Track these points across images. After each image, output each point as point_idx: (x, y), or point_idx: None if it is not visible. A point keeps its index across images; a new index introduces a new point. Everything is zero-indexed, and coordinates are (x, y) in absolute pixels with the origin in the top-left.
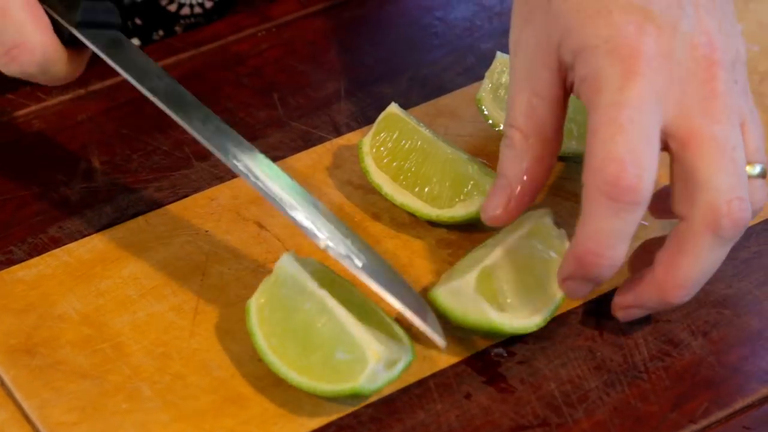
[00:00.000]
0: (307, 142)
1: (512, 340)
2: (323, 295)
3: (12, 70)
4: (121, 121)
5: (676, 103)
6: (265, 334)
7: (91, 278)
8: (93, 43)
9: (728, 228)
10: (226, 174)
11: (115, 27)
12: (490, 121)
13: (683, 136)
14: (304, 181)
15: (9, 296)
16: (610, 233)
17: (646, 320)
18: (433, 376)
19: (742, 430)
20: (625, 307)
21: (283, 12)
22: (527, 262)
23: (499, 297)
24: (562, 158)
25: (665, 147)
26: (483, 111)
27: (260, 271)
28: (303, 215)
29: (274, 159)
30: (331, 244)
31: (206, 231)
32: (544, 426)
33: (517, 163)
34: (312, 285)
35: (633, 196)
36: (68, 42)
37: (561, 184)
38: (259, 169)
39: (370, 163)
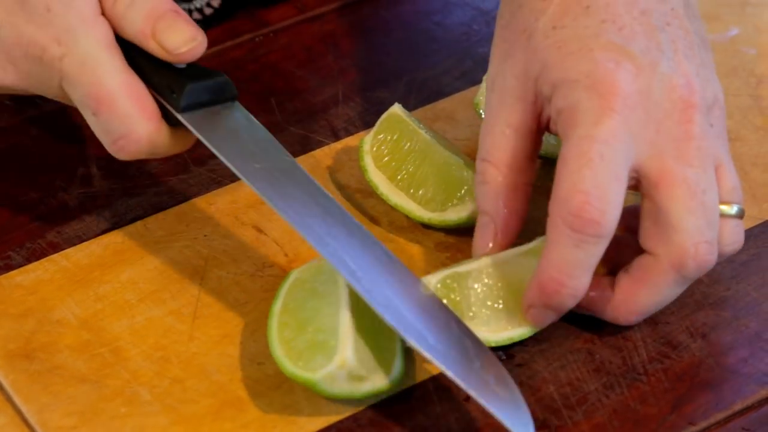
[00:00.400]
0: (305, 146)
1: (511, 344)
2: (343, 292)
3: (121, 157)
4: None
5: (649, 143)
6: (286, 301)
7: (89, 283)
8: (196, 129)
9: (693, 269)
10: (224, 178)
11: (228, 100)
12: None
13: (655, 177)
14: None
15: (7, 301)
16: (572, 263)
17: (646, 323)
18: (433, 378)
19: (742, 431)
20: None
21: (280, 17)
22: (511, 279)
23: (463, 305)
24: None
25: (636, 184)
26: (481, 114)
27: (259, 275)
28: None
29: None
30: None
31: (205, 235)
32: (544, 428)
33: (494, 198)
34: (343, 280)
35: (595, 229)
36: (178, 122)
37: None
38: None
39: (368, 162)
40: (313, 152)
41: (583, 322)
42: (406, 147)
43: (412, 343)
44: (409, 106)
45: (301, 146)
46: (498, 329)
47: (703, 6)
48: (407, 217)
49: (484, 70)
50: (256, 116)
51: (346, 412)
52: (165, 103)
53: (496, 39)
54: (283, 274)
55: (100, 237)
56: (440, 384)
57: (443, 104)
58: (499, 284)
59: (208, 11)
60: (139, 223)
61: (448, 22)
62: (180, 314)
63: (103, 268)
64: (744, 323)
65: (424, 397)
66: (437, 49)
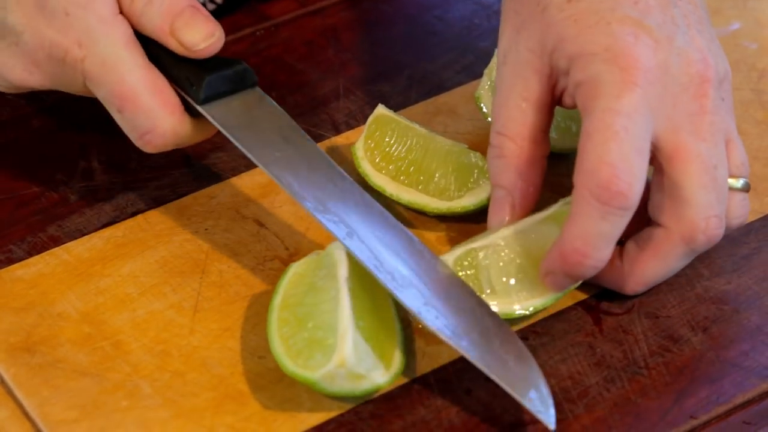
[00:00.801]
0: None
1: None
2: (343, 288)
3: (148, 150)
4: None
5: (666, 117)
6: (285, 296)
7: (90, 277)
8: (216, 120)
9: (702, 243)
10: (225, 172)
11: (248, 87)
12: (489, 119)
13: (670, 151)
14: None
15: (9, 295)
16: (597, 235)
17: (646, 316)
18: (434, 371)
19: (742, 425)
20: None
21: (281, 11)
22: (531, 247)
23: (482, 280)
24: (560, 155)
25: (651, 158)
26: (482, 108)
27: (260, 269)
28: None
29: None
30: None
31: (206, 229)
32: None
33: (512, 171)
34: (342, 275)
35: (623, 201)
36: (199, 113)
37: (560, 182)
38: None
39: (367, 167)
40: None
41: (583, 315)
42: (403, 144)
43: (432, 327)
44: (410, 100)
45: None
46: (521, 299)
47: (705, 0)
48: (416, 211)
49: (486, 64)
50: None
51: (347, 406)
52: (185, 96)
53: (507, 12)
54: (284, 267)
55: (101, 230)
56: (441, 377)
57: (444, 98)
58: (520, 254)
59: (210, 6)
60: (140, 217)
61: (450, 16)
62: (181, 308)
63: (104, 262)
64: (745, 317)
65: (425, 390)
66: (438, 42)
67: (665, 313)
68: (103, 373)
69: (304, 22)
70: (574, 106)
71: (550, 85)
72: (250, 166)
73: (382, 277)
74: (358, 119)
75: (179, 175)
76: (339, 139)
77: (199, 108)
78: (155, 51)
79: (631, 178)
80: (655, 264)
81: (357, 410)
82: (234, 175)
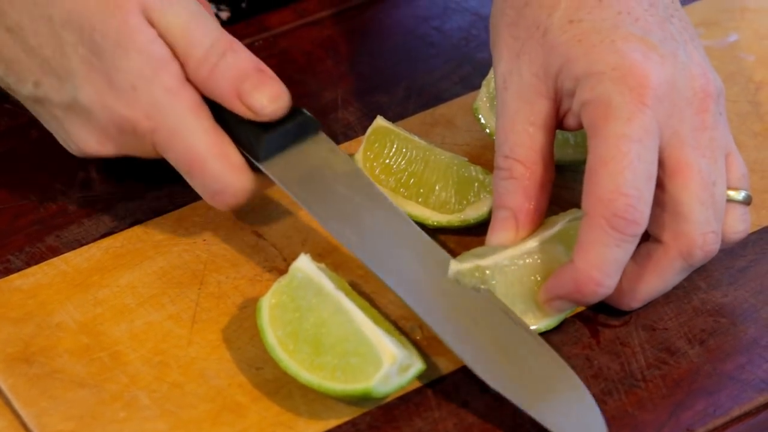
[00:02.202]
0: None
1: None
2: (340, 296)
3: (220, 209)
4: None
5: (672, 132)
6: (276, 332)
7: (88, 287)
8: (276, 179)
9: (699, 258)
10: None
11: (310, 134)
12: (487, 130)
13: (672, 167)
14: None
15: (6, 305)
16: (611, 262)
17: (644, 329)
18: (431, 383)
19: None
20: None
21: (280, 22)
22: (540, 268)
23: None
24: (558, 167)
25: None
26: (480, 119)
27: (258, 279)
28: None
29: None
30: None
31: (204, 240)
32: None
33: (520, 193)
34: (329, 286)
35: (636, 229)
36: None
37: (558, 193)
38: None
39: None
40: None
41: (581, 327)
42: (404, 156)
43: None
44: (407, 112)
45: None
46: (528, 320)
47: (703, 12)
48: (416, 224)
49: (483, 75)
50: None
51: (345, 417)
52: (247, 154)
53: (501, 37)
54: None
55: (99, 241)
56: (439, 389)
57: (442, 109)
58: (526, 275)
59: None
60: (138, 227)
61: (447, 28)
62: (179, 319)
63: (103, 272)
64: (742, 329)
65: (422, 402)
66: (436, 54)
67: (662, 325)
68: (100, 384)
69: (303, 33)
70: (577, 128)
71: (555, 108)
72: None
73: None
74: (356, 130)
75: (178, 186)
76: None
77: (259, 165)
78: (219, 110)
79: (644, 206)
80: (653, 280)
81: (354, 421)
82: None
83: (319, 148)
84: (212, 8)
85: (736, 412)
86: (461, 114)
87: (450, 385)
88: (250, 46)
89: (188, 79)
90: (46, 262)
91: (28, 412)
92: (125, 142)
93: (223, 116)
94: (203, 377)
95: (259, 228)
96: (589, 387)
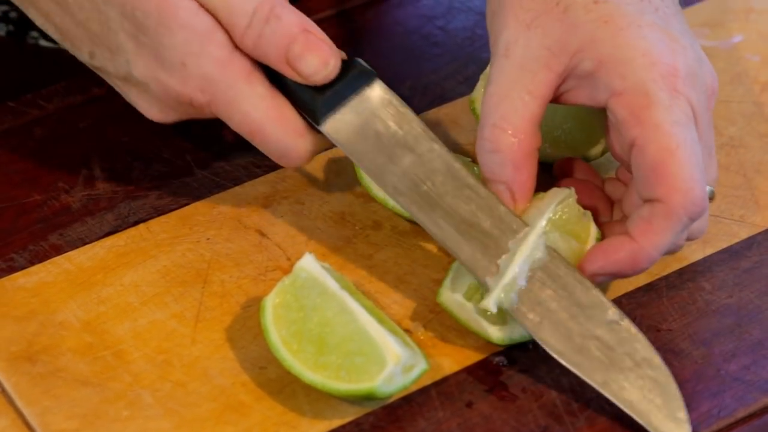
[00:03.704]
0: None
1: (514, 349)
2: (344, 296)
3: (291, 167)
4: (123, 129)
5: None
6: (280, 331)
7: (92, 286)
8: (335, 140)
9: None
10: (227, 182)
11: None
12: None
13: None
14: (305, 189)
15: (10, 303)
16: (670, 244)
17: (647, 329)
18: (435, 384)
19: None
20: (594, 273)
21: None
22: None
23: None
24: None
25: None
26: (475, 111)
27: (261, 279)
28: None
29: (275, 167)
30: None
31: (208, 239)
32: None
33: (509, 165)
34: (333, 286)
35: (701, 214)
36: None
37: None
38: None
39: (368, 180)
40: (315, 156)
41: None
42: None
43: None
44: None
45: None
46: None
47: (707, 13)
48: (410, 221)
49: None
50: None
51: (348, 417)
52: (305, 115)
53: (511, 6)
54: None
55: (103, 240)
56: (442, 389)
57: (446, 109)
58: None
59: None
60: (142, 226)
61: (451, 27)
62: (183, 317)
63: (106, 271)
64: (746, 331)
65: (426, 402)
66: (440, 53)
67: (666, 326)
68: (104, 383)
69: None
70: (567, 104)
71: (557, 83)
72: (252, 175)
73: None
74: None
75: (181, 185)
76: (340, 150)
77: (319, 128)
78: (274, 71)
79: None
80: (661, 237)
81: (358, 421)
82: (236, 184)
83: (376, 99)
84: None
85: (740, 413)
86: (465, 113)
87: (454, 386)
88: None
89: (236, 47)
90: (49, 260)
91: (31, 411)
92: (186, 111)
93: (278, 77)
94: (207, 376)
95: (263, 227)
96: (592, 388)
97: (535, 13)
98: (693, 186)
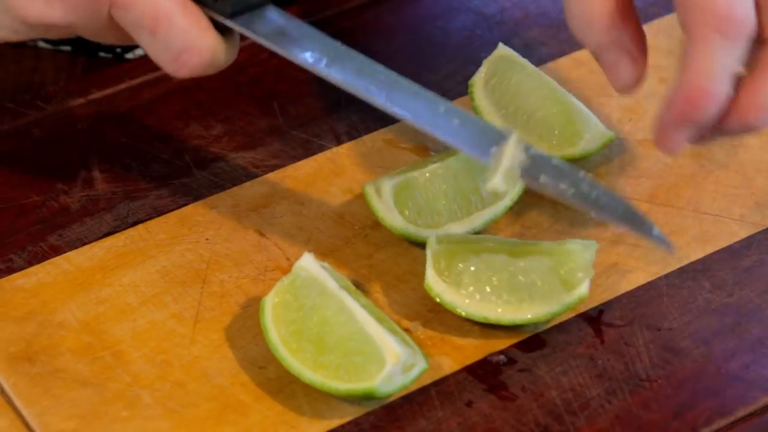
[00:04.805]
0: (308, 150)
1: (514, 348)
2: (343, 295)
3: (182, 74)
4: (121, 130)
5: None
6: (280, 331)
7: (91, 286)
8: (249, 31)
9: None
10: (226, 182)
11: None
12: (476, 103)
13: None
14: (304, 189)
15: (9, 304)
16: (721, 69)
17: (648, 328)
18: (435, 383)
19: None
20: (667, 131)
21: None
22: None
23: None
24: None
25: None
26: (472, 95)
27: (261, 279)
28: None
29: (274, 167)
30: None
31: (207, 239)
32: None
33: (616, 23)
34: (333, 285)
35: (744, 27)
36: (223, 29)
37: None
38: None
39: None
40: (315, 156)
41: (584, 327)
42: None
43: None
44: None
45: (303, 150)
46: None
47: None
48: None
49: None
50: (257, 120)
51: (348, 417)
52: (212, 13)
53: None
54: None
55: (101, 240)
56: (442, 389)
57: None
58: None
59: None
60: (140, 226)
61: (451, 27)
62: (182, 318)
63: (105, 271)
64: (747, 329)
65: (426, 401)
66: (440, 53)
67: (667, 325)
68: (103, 383)
69: None
70: None
71: None
72: (251, 176)
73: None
74: (359, 130)
75: (180, 185)
76: (340, 150)
77: (227, 22)
78: None
79: (748, 3)
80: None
81: (357, 421)
82: (235, 184)
83: (282, 14)
84: None
85: (741, 412)
86: None
87: (454, 385)
88: (254, 46)
89: None
90: (48, 261)
91: (30, 411)
92: (77, 4)
93: None
94: (206, 376)
95: (262, 227)
96: (593, 387)
97: None
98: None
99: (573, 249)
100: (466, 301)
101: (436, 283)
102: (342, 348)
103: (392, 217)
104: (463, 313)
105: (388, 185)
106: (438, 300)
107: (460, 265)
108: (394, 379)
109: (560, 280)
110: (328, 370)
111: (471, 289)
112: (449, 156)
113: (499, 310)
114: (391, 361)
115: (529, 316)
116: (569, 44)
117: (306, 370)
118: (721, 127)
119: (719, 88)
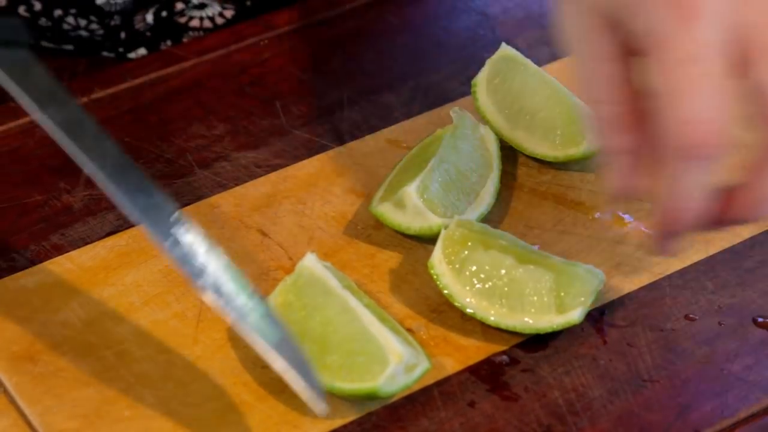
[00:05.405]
0: (310, 150)
1: (516, 349)
2: (346, 295)
3: None
4: (124, 129)
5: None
6: None
7: (93, 286)
8: None
9: None
10: (228, 182)
11: (21, 46)
12: (480, 104)
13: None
14: (306, 188)
15: (12, 303)
16: (692, 188)
17: (650, 329)
18: (438, 383)
19: None
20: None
21: (286, 21)
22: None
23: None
24: (561, 165)
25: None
26: (475, 95)
27: (263, 278)
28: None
29: (276, 167)
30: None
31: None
32: None
33: (619, 129)
34: (335, 285)
35: (707, 148)
36: None
37: (563, 193)
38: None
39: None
40: (317, 156)
41: (587, 327)
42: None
43: None
44: (414, 111)
45: (305, 150)
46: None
47: None
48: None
49: None
50: (260, 120)
51: (350, 417)
52: None
53: None
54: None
55: (104, 239)
56: (444, 389)
57: (448, 109)
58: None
59: (220, 21)
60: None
61: (454, 27)
62: (184, 317)
63: (108, 271)
64: (749, 330)
65: (428, 402)
66: (443, 53)
67: (669, 326)
68: (105, 383)
69: (309, 32)
70: None
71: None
72: (253, 175)
73: None
74: (362, 130)
75: (182, 185)
76: (343, 149)
77: None
78: None
79: (711, 125)
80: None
81: (360, 421)
82: (237, 184)
83: (28, 59)
84: (216, 6)
85: (743, 413)
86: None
87: (456, 385)
88: (255, 45)
89: None
90: (50, 260)
91: (33, 411)
92: None
93: None
94: (208, 376)
95: (265, 226)
96: (595, 387)
97: None
98: (679, 127)
99: (581, 274)
100: (466, 288)
101: (439, 264)
102: (345, 348)
103: (430, 219)
104: (457, 303)
105: (411, 189)
106: (436, 279)
107: (466, 252)
108: (396, 379)
109: (556, 301)
110: (331, 370)
111: (471, 279)
112: (432, 144)
113: (492, 311)
114: (394, 361)
115: (515, 325)
116: None
117: None
118: (722, 221)
119: (692, 204)
